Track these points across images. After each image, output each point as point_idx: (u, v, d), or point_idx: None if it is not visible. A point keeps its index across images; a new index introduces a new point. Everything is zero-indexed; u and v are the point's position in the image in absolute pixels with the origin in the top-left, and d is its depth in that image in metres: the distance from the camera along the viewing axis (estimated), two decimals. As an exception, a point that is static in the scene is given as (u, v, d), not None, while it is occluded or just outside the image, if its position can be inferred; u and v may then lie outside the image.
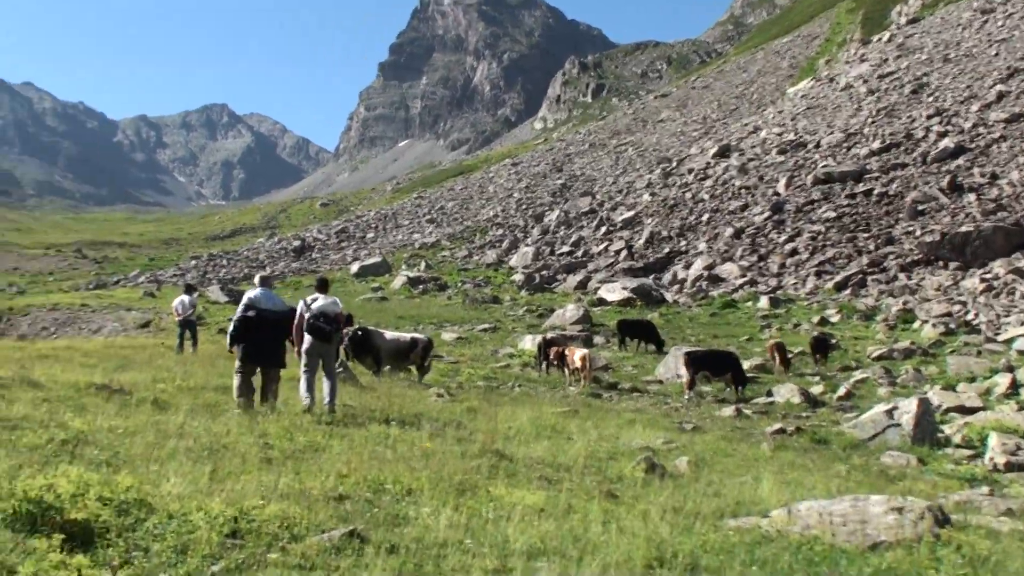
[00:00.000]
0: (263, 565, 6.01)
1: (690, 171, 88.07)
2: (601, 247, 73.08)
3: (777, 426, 19.06)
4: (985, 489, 13.67)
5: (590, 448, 13.00)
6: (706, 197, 76.22)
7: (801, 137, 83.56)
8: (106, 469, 8.24)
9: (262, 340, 14.32)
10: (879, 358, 32.75)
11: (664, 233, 70.54)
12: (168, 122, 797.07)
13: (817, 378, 29.13)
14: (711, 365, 26.41)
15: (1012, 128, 65.46)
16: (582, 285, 60.75)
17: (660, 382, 28.72)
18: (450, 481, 9.34)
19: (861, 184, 64.75)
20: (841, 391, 25.92)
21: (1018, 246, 50.59)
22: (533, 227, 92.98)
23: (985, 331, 37.63)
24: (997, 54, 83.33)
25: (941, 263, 50.99)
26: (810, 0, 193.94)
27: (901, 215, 58.28)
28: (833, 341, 34.43)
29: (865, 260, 53.05)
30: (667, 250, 66.45)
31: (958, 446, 18.29)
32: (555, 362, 28.87)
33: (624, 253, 68.29)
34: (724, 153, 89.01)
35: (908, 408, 18.54)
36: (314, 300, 15.37)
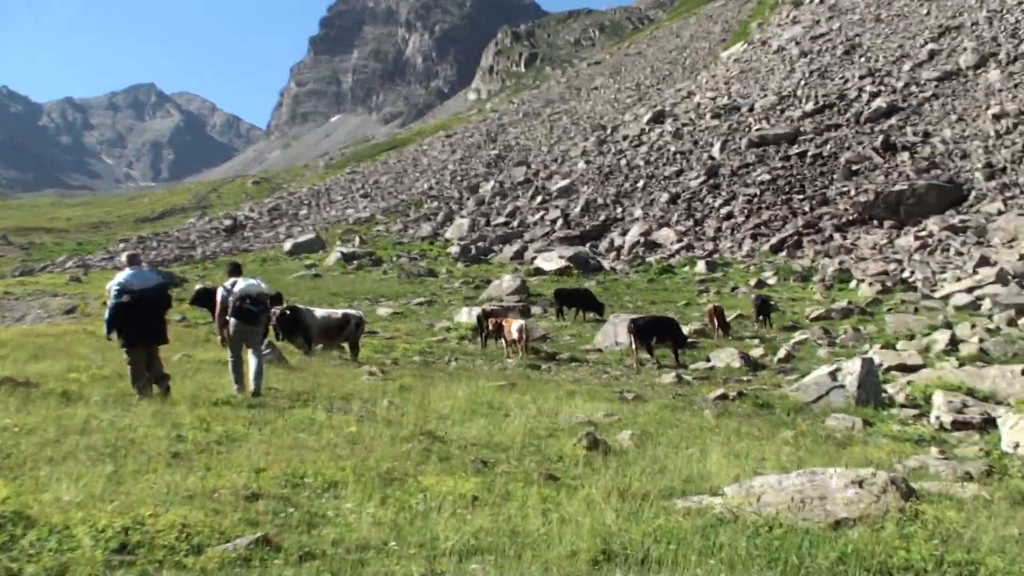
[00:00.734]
0: (154, 584, 5.47)
1: (625, 138, 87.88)
2: (537, 216, 72.75)
3: (719, 392, 18.64)
4: (935, 451, 13.34)
5: (529, 425, 12.46)
6: (641, 163, 76.04)
7: (735, 101, 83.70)
8: (-3, 474, 7.57)
9: (140, 320, 13.56)
10: (817, 319, 32.69)
11: (600, 200, 70.29)
12: (94, 104, 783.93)
13: (756, 341, 28.88)
14: (656, 332, 26.00)
15: (944, 86, 66.03)
16: (519, 255, 60.31)
17: (599, 351, 28.30)
18: (377, 470, 8.71)
19: (795, 146, 65.02)
20: (781, 353, 25.68)
21: (952, 203, 50.98)
22: (468, 199, 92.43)
23: (921, 288, 37.79)
24: (928, 13, 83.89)
25: (876, 222, 51.30)
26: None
27: (835, 176, 58.60)
28: (773, 303, 34.23)
29: (800, 221, 53.22)
30: (603, 217, 66.23)
31: (903, 406, 18.03)
32: (493, 334, 28.33)
33: (560, 222, 67.95)
34: (658, 119, 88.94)
35: (851, 369, 18.21)
36: (233, 284, 14.82)
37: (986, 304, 33.00)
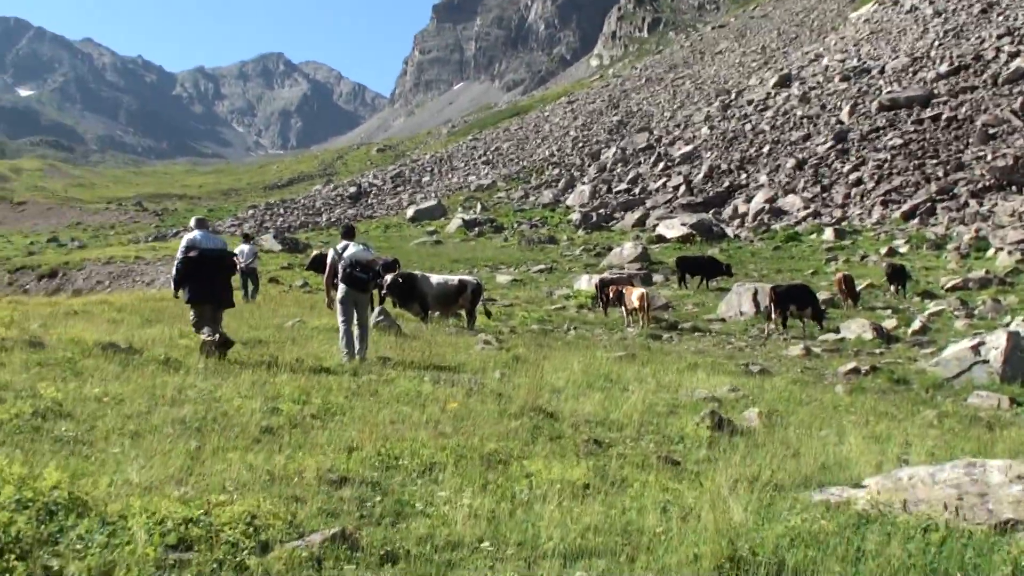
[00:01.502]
0: (207, 590, 5.00)
1: (750, 102, 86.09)
2: (659, 183, 71.75)
3: (851, 365, 17.62)
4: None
5: (648, 401, 11.54)
6: (766, 128, 74.39)
7: (864, 63, 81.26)
8: (70, 449, 7.21)
9: (206, 279, 13.71)
10: (953, 288, 31.19)
11: (724, 166, 68.96)
12: (225, 73, 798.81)
13: (889, 311, 27.53)
14: (797, 299, 25.00)
15: (1089, 44, 62.91)
16: (640, 222, 59.47)
17: (722, 320, 27.36)
18: (480, 451, 8.08)
19: (928, 109, 62.63)
20: (916, 325, 24.25)
21: (1097, 167, 48.52)
22: (590, 165, 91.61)
23: (1067, 257, 35.90)
24: (1071, -32, 79.85)
25: (1015, 188, 48.95)
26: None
27: (971, 140, 56.18)
28: (906, 271, 32.76)
29: (934, 187, 51.17)
30: (727, 184, 64.95)
31: (1053, 384, 16.77)
32: (613, 302, 27.61)
33: (683, 188, 66.90)
34: (785, 83, 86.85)
35: (996, 343, 16.95)
36: (344, 248, 14.59)
37: None
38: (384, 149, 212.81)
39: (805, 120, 72.37)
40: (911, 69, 73.60)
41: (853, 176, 57.27)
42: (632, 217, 61.59)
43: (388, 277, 20.24)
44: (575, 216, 64.70)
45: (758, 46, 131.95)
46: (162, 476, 6.42)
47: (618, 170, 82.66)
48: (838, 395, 14.10)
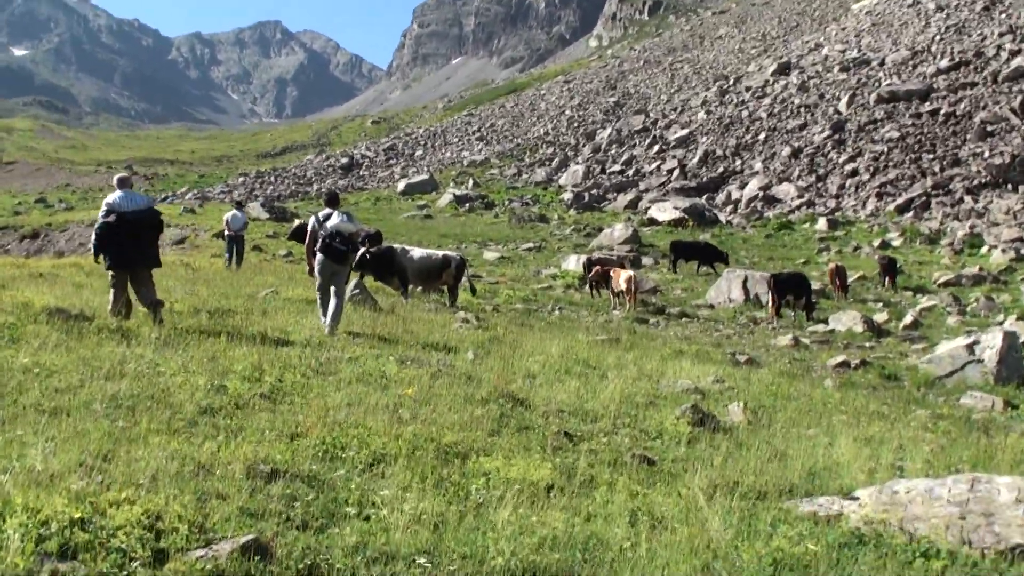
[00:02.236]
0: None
1: (748, 89, 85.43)
2: (653, 166, 71.29)
3: (840, 358, 17.13)
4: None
5: (627, 391, 10.89)
6: (764, 115, 73.82)
7: (865, 55, 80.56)
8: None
9: (126, 243, 12.92)
10: (946, 284, 30.76)
11: (719, 152, 68.44)
12: (222, 39, 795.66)
13: (880, 304, 27.08)
14: (795, 287, 24.51)
15: (1091, 44, 62.35)
16: (632, 205, 59.06)
17: (711, 307, 26.88)
18: (438, 442, 7.40)
19: (927, 103, 62.01)
20: (907, 319, 23.83)
21: (1094, 168, 48.08)
22: (584, 145, 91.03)
23: (1061, 257, 35.44)
24: (1075, -34, 79.20)
25: (1010, 186, 48.48)
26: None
27: (969, 136, 55.61)
28: (899, 265, 32.30)
29: (929, 182, 50.65)
30: (721, 169, 64.45)
31: (1047, 386, 16.23)
32: (600, 283, 27.08)
33: (677, 172, 66.42)
34: (784, 71, 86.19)
35: (991, 342, 16.39)
36: (327, 217, 14.07)
37: None
38: (379, 121, 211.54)
39: (803, 109, 71.76)
40: (911, 63, 72.94)
41: (849, 167, 56.73)
42: (625, 199, 61.13)
43: (361, 250, 19.57)
44: (567, 195, 64.25)
45: (758, 33, 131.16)
46: (70, 464, 5.69)
47: (613, 151, 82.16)
48: (827, 390, 13.45)
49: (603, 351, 14.38)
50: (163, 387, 8.26)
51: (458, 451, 7.40)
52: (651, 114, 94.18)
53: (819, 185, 56.25)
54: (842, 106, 67.70)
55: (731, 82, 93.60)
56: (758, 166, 62.56)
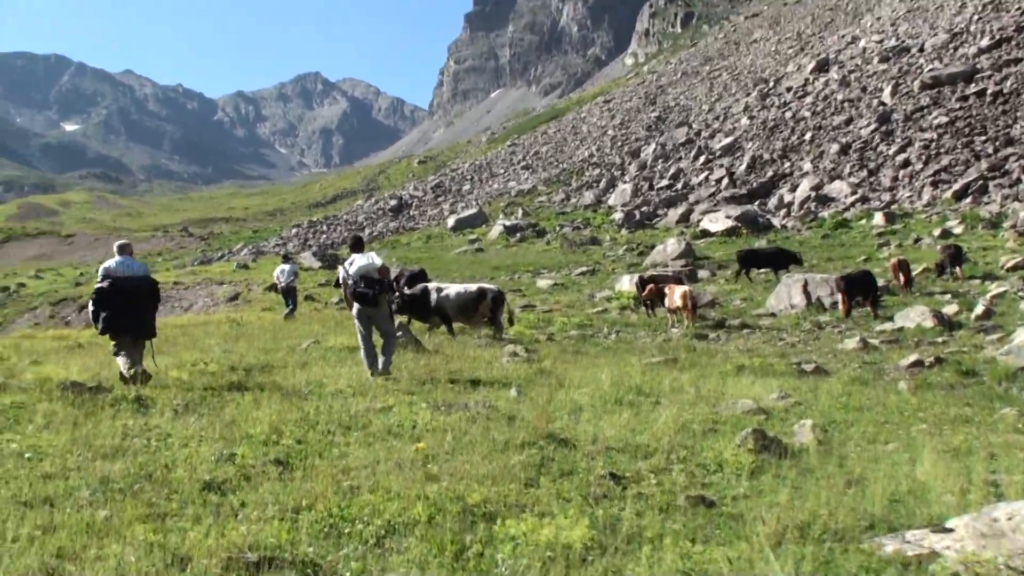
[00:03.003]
0: None
1: (788, 90, 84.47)
2: (701, 177, 70.51)
3: (913, 358, 16.20)
4: None
5: (682, 418, 10.04)
6: (807, 115, 72.79)
7: (903, 42, 79.34)
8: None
9: (121, 310, 12.70)
10: (1014, 268, 29.55)
11: (766, 156, 67.47)
12: (264, 95, 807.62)
13: (948, 296, 25.99)
14: (864, 286, 23.73)
15: None
16: (684, 218, 58.23)
17: (772, 315, 25.98)
18: (464, 502, 6.64)
19: (972, 85, 60.70)
20: (979, 309, 22.66)
21: None
22: (630, 164, 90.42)
23: None
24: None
25: (1070, 160, 47.07)
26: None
27: (1020, 113, 54.30)
28: (964, 253, 31.12)
29: (984, 165, 49.31)
30: (770, 173, 63.44)
31: None
32: (653, 301, 26.40)
33: (726, 181, 65.55)
34: (823, 68, 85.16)
35: (1073, 326, 15.47)
36: (351, 263, 13.98)
37: None
38: (425, 161, 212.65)
39: (846, 104, 70.66)
40: (951, 45, 71.65)
41: (900, 158, 55.53)
42: (676, 213, 60.31)
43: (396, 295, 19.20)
44: (618, 215, 63.56)
45: (793, 33, 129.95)
46: (25, 571, 5.09)
47: (659, 166, 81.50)
48: (903, 395, 12.55)
49: (658, 374, 13.63)
50: (165, 463, 7.69)
51: (486, 511, 6.64)
52: (694, 125, 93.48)
53: (871, 179, 55.09)
54: (886, 97, 66.53)
55: (771, 84, 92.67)
56: (807, 166, 61.50)
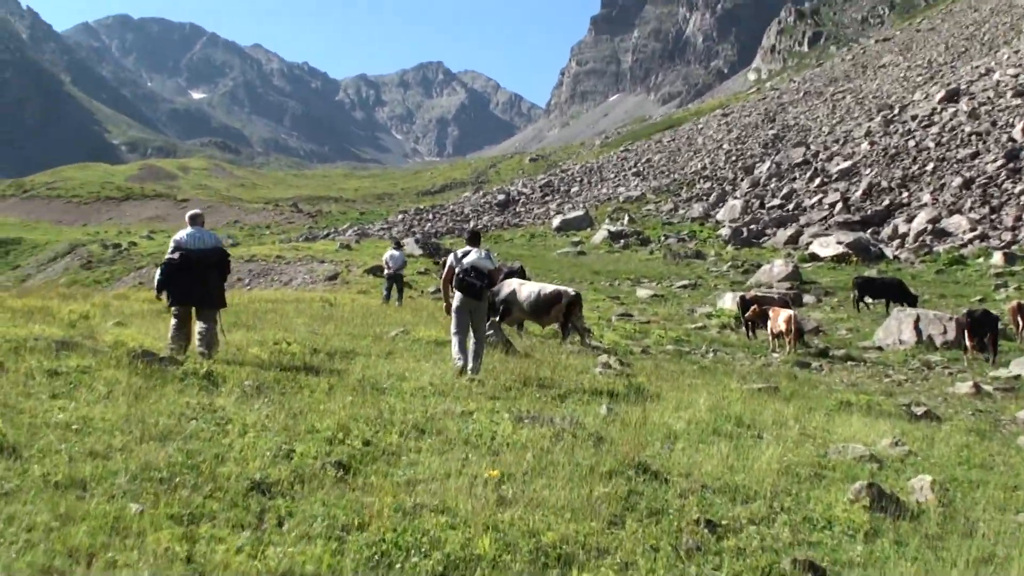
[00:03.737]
0: None
1: (914, 118, 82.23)
2: (814, 199, 68.93)
3: (1036, 411, 15.19)
4: None
5: (786, 457, 9.18)
6: (931, 145, 70.72)
7: (1040, 78, 76.77)
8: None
9: (189, 281, 12.62)
10: None
11: (884, 184, 65.72)
12: (386, 81, 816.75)
13: (1070, 346, 24.72)
14: (990, 326, 22.73)
15: None
16: (793, 240, 56.91)
17: (879, 349, 24.94)
18: (538, 539, 5.82)
19: (1106, 129, 58.37)
20: (1105, 362, 21.45)
21: None
22: (742, 179, 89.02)
23: None
24: None
25: None
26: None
27: None
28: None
29: (1117, 210, 47.34)
30: (887, 202, 61.72)
31: None
32: (756, 323, 25.57)
33: (839, 206, 63.97)
34: (952, 98, 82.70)
35: None
36: (465, 254, 13.62)
37: None
38: (536, 159, 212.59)
39: (973, 137, 68.52)
40: (1091, 83, 69.34)
41: (1025, 197, 53.71)
42: (784, 234, 59.04)
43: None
44: (724, 231, 62.51)
45: (924, 60, 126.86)
46: (30, 570, 4.53)
47: (772, 185, 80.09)
48: None
49: (759, 403, 12.81)
50: (217, 453, 7.06)
51: (561, 553, 5.81)
52: (811, 146, 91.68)
53: (993, 217, 53.24)
54: (1017, 133, 64.32)
55: (896, 111, 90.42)
56: (926, 198, 59.71)
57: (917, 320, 25.34)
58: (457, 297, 13.44)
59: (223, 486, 6.27)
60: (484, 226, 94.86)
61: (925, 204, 58.51)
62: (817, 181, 74.12)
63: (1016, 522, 7.87)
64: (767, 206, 72.98)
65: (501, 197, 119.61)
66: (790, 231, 59.42)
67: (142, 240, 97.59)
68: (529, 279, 25.76)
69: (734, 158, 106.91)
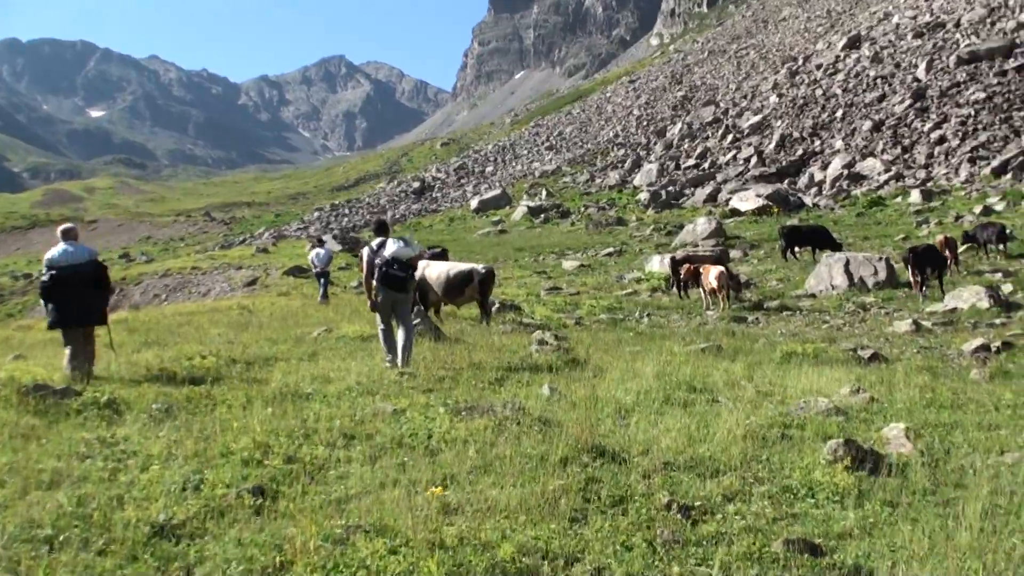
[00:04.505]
0: None
1: (818, 67, 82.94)
2: (729, 156, 69.18)
3: (977, 342, 14.80)
4: None
5: (748, 422, 8.37)
6: (838, 92, 71.30)
7: (938, 17, 77.72)
8: None
9: (66, 300, 11.85)
10: (1065, 246, 28.15)
11: (796, 134, 66.07)
12: (288, 79, 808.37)
13: (999, 275, 24.59)
14: (932, 261, 22.56)
15: None
16: (712, 198, 56.91)
17: (812, 296, 24.70)
18: (493, 555, 5.02)
19: (1011, 59, 59.16)
20: (1035, 288, 21.35)
21: None
22: (655, 143, 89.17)
23: None
24: None
25: (1114, 130, 45.46)
26: None
27: (1062, 87, 52.62)
28: (1009, 231, 29.64)
29: (1025, 140, 47.74)
30: (800, 152, 62.02)
31: None
32: (689, 282, 25.15)
33: (754, 160, 64.25)
34: (854, 44, 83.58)
35: None
36: (381, 244, 12.99)
37: None
38: (448, 143, 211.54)
39: (879, 80, 69.15)
40: (988, 20, 70.10)
41: (935, 134, 54.04)
42: (703, 193, 59.02)
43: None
44: (643, 196, 62.29)
45: (823, 10, 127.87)
46: None
47: (685, 146, 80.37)
48: (989, 388, 10.93)
49: (706, 364, 12.24)
50: (115, 495, 6.14)
51: (522, 568, 4.99)
52: (721, 104, 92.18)
53: (906, 156, 53.65)
54: (920, 73, 64.95)
55: (800, 62, 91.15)
56: (839, 144, 60.08)
57: (847, 264, 25.11)
58: (379, 290, 12.83)
59: (119, 536, 5.34)
60: (402, 215, 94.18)
61: (838, 150, 58.87)
62: (730, 138, 74.45)
63: (1005, 463, 7.32)
64: (683, 167, 73.13)
65: (416, 184, 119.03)
66: (708, 189, 59.43)
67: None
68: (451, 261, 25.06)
69: (645, 123, 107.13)
